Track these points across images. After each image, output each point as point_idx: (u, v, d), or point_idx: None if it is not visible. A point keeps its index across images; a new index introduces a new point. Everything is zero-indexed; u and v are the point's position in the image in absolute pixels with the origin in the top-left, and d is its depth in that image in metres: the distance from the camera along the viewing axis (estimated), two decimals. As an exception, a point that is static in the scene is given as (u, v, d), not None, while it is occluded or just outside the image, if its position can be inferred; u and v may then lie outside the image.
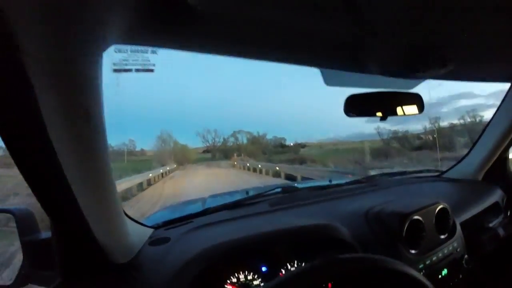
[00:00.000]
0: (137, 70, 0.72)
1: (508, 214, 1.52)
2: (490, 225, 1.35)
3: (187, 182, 16.28)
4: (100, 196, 0.66)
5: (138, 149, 42.06)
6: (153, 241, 0.95)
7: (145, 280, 0.79)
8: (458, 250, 1.10)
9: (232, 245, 0.87)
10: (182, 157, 38.05)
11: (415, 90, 1.19)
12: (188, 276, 0.78)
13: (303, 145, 42.43)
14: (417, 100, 1.15)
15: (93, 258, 0.73)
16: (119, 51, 0.67)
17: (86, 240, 0.68)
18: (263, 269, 0.87)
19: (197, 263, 0.80)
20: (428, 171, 1.96)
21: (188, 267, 0.79)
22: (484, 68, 1.16)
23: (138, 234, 0.92)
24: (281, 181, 12.83)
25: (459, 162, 1.81)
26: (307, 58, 0.92)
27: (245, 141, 45.55)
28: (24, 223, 0.90)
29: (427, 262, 0.99)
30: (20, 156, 0.51)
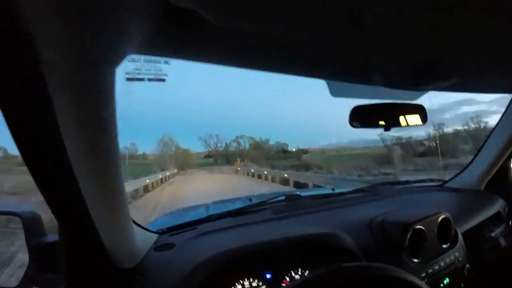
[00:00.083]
0: (150, 80, 0.74)
1: (510, 223, 1.52)
2: (492, 234, 1.35)
3: (187, 189, 14.82)
4: (109, 202, 0.68)
5: (140, 152, 41.89)
6: (158, 247, 0.95)
7: (150, 285, 0.79)
8: (460, 259, 1.10)
9: (237, 253, 0.88)
10: (184, 162, 37.71)
11: (418, 100, 1.20)
12: (194, 282, 0.78)
13: (305, 151, 42.15)
14: (420, 111, 1.17)
15: (99, 263, 0.74)
16: (133, 60, 0.69)
17: (93, 245, 0.69)
18: (268, 276, 0.87)
19: (203, 270, 0.81)
20: (431, 180, 1.96)
21: (194, 274, 0.80)
22: (487, 80, 1.17)
23: (143, 239, 0.93)
24: (289, 189, 11.40)
25: (461, 171, 1.82)
26: (314, 71, 0.94)
27: (247, 146, 45.28)
28: (30, 226, 0.90)
29: (429, 271, 0.99)
30: (33, 160, 0.52)
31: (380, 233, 1.02)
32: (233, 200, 1.74)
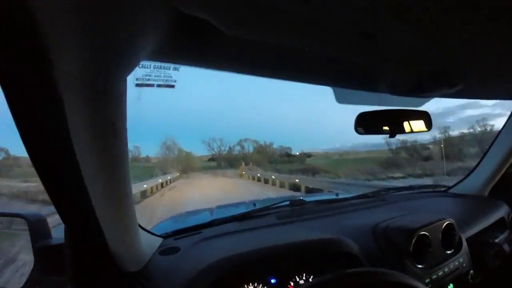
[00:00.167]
0: (159, 86, 0.75)
1: None
2: (496, 240, 1.35)
3: (189, 195, 13.54)
4: (117, 205, 0.68)
5: (143, 155, 41.77)
6: (163, 251, 0.96)
7: None
8: (464, 265, 1.10)
9: (242, 258, 0.88)
10: (187, 165, 37.58)
11: (423, 107, 1.21)
12: (200, 287, 0.79)
13: (309, 155, 42.02)
14: (425, 117, 1.17)
15: (104, 266, 0.74)
16: (143, 66, 0.70)
17: (98, 247, 0.70)
18: (272, 281, 0.88)
19: (208, 275, 0.81)
20: (435, 186, 1.96)
21: (199, 279, 0.80)
22: (491, 86, 1.17)
23: (148, 243, 0.93)
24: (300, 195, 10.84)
25: (465, 177, 1.82)
26: (321, 78, 0.95)
27: (251, 149, 44.91)
28: (36, 228, 0.91)
29: (433, 277, 0.99)
30: (42, 163, 0.52)
31: (384, 239, 1.02)
32: (237, 205, 1.74)
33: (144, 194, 13.07)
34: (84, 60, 0.45)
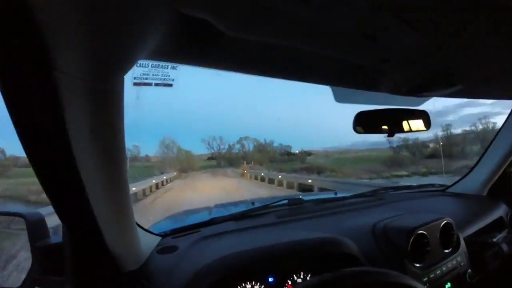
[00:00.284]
0: (157, 85, 0.74)
1: None
2: (494, 240, 1.35)
3: (187, 198, 11.90)
4: (115, 204, 0.68)
5: (142, 155, 41.57)
6: (161, 249, 0.96)
7: None
8: (462, 264, 1.10)
9: (240, 257, 0.88)
10: (186, 164, 37.45)
11: (422, 106, 1.21)
12: (198, 286, 0.79)
13: (309, 153, 42.07)
14: (424, 117, 1.17)
15: (103, 265, 0.74)
16: (140, 65, 0.69)
17: (97, 247, 0.70)
18: (270, 280, 0.88)
19: (206, 274, 0.81)
20: (433, 185, 1.96)
21: (198, 278, 0.80)
22: (490, 86, 1.17)
23: (146, 242, 0.93)
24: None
25: (464, 177, 1.82)
26: (320, 78, 0.95)
27: (251, 148, 44.85)
28: (34, 227, 0.90)
29: (431, 276, 0.99)
30: (40, 163, 0.52)
31: (382, 238, 1.03)
32: (235, 204, 1.74)
33: (135, 197, 11.52)
34: (81, 60, 0.45)
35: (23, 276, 0.90)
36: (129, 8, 0.42)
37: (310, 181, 13.39)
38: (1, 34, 0.37)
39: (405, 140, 27.83)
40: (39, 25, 0.37)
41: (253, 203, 1.44)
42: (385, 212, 1.30)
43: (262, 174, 20.93)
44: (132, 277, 0.80)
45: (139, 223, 0.87)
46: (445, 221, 1.09)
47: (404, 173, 21.64)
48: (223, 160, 43.78)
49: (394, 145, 29.04)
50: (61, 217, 0.63)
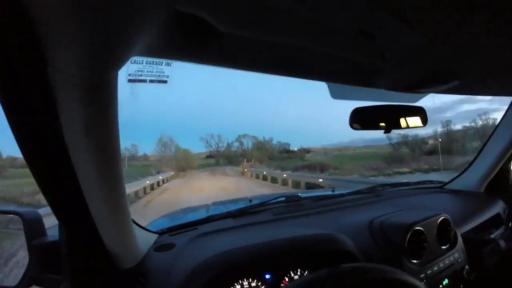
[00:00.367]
0: (152, 81, 0.74)
1: (510, 226, 1.52)
2: (492, 236, 1.36)
3: (184, 200, 11.04)
4: (111, 202, 0.68)
5: (140, 154, 41.32)
6: (158, 247, 0.96)
7: (151, 286, 0.80)
8: (459, 261, 1.11)
9: (237, 254, 0.88)
10: (184, 163, 37.28)
11: (419, 102, 1.21)
12: (195, 283, 0.79)
13: (307, 150, 42.10)
14: (421, 113, 1.17)
15: (100, 263, 0.74)
16: (135, 62, 0.69)
17: (94, 245, 0.70)
18: (267, 276, 0.88)
19: (203, 271, 0.81)
20: (431, 182, 1.97)
21: (195, 275, 0.80)
22: (487, 83, 1.17)
23: (143, 240, 0.93)
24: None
25: (461, 173, 1.83)
26: (317, 75, 0.94)
27: (250, 146, 44.64)
28: (31, 225, 0.90)
29: (429, 272, 1.00)
30: (35, 161, 0.52)
31: (379, 234, 1.03)
32: (233, 201, 1.74)
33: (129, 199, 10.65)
34: (75, 57, 0.45)
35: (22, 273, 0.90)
36: (123, 5, 0.42)
37: (321, 180, 12.55)
38: None
39: (405, 136, 27.98)
40: (33, 23, 0.37)
41: (250, 201, 1.45)
42: (382, 208, 1.30)
43: (264, 172, 20.00)
44: (129, 274, 0.80)
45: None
46: (442, 218, 1.09)
47: (407, 170, 21.72)
48: (222, 159, 43.60)
49: (393, 141, 29.18)
50: (57, 215, 0.63)
